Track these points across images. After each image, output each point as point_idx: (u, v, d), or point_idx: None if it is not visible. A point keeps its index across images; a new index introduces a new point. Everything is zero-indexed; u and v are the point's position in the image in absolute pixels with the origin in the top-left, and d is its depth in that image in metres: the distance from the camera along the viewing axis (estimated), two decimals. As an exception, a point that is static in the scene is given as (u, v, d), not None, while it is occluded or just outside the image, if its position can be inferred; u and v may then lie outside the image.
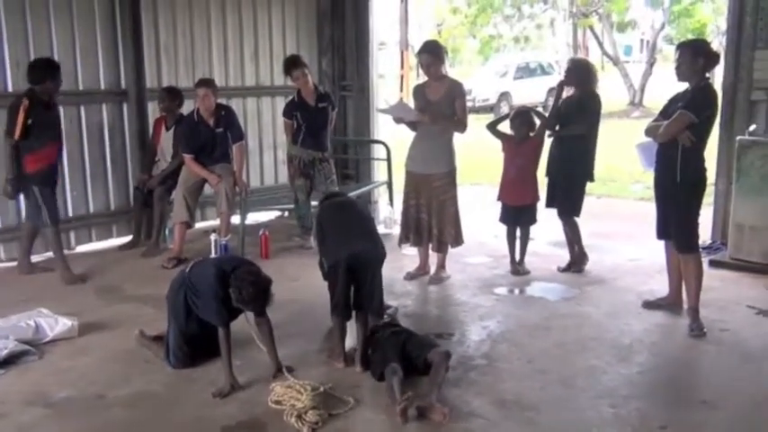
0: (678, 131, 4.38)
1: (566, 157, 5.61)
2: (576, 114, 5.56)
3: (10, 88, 6.06)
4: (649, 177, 5.10)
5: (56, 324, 4.50)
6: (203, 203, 7.00)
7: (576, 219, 5.78)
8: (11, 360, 4.12)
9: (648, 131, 4.68)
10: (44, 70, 5.50)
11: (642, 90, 20.86)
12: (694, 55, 4.42)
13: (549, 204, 5.84)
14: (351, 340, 4.17)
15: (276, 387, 3.69)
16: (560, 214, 5.80)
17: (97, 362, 4.21)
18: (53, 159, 5.64)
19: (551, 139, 5.75)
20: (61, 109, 6.02)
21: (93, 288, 5.60)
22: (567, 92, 5.81)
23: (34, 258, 6.32)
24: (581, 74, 5.68)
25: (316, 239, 4.41)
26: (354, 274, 4.02)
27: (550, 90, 21.81)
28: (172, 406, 3.67)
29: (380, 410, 3.54)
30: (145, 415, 3.58)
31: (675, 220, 4.57)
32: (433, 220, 5.54)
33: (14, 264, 6.23)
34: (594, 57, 23.87)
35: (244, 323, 3.97)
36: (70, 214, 6.61)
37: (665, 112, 4.58)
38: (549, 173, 5.82)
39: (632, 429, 3.40)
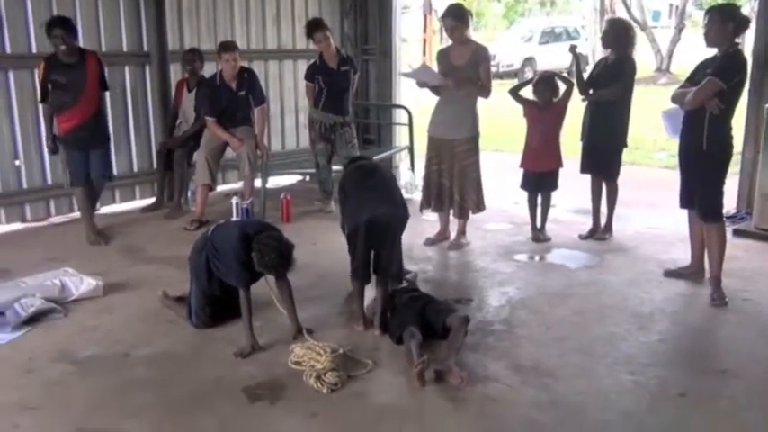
0: (706, 98, 4.30)
1: (601, 122, 5.51)
2: (609, 78, 5.45)
3: (34, 50, 6.09)
4: (674, 145, 5.03)
5: (81, 283, 4.58)
6: (225, 167, 7.04)
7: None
8: (38, 317, 4.21)
9: (675, 98, 4.59)
10: (45, 29, 5.45)
11: (670, 56, 20.46)
12: (724, 20, 4.31)
13: (583, 170, 5.78)
14: (369, 302, 4.21)
15: (296, 348, 3.74)
16: (604, 178, 5.74)
17: (121, 321, 4.29)
18: (78, 121, 5.51)
19: (585, 103, 5.66)
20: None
21: (117, 249, 5.68)
22: (603, 53, 5.69)
23: (60, 219, 6.43)
24: (618, 36, 5.52)
25: (338, 202, 4.41)
26: (374, 237, 4.03)
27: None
28: (194, 365, 3.73)
29: (399, 373, 3.58)
30: (168, 373, 3.64)
31: (700, 189, 4.52)
32: (454, 185, 5.52)
33: (41, 224, 6.34)
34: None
35: (264, 285, 4.01)
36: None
37: (693, 79, 4.49)
38: (583, 138, 5.73)
39: (651, 396, 3.41)
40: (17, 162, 6.20)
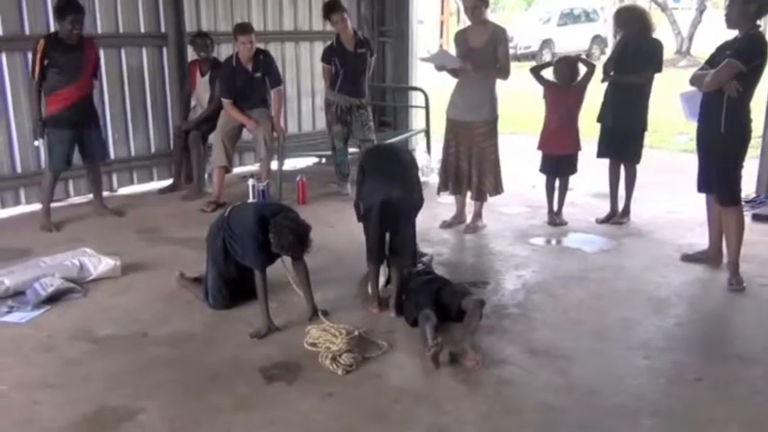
0: (725, 81, 4.24)
1: (625, 104, 5.44)
2: (639, 62, 5.33)
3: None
4: (693, 129, 4.98)
5: (99, 263, 4.63)
6: (241, 149, 7.06)
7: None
8: (57, 297, 4.26)
9: (693, 80, 4.53)
10: (56, 11, 5.51)
11: (690, 38, 20.18)
12: (745, 1, 4.24)
13: (601, 155, 5.72)
14: (383, 280, 4.25)
15: (312, 330, 3.76)
16: (626, 161, 5.69)
17: (139, 301, 4.33)
18: (70, 102, 5.54)
19: (605, 86, 5.58)
20: (102, 53, 6.04)
21: (135, 229, 5.72)
22: (619, 33, 5.63)
23: (78, 200, 6.48)
24: (631, 24, 5.45)
25: (355, 182, 4.45)
26: (387, 219, 4.04)
27: (595, 37, 21.36)
28: (211, 346, 3.76)
29: (414, 355, 3.59)
30: (185, 353, 3.68)
31: (718, 173, 4.47)
32: (473, 168, 5.51)
33: (60, 204, 6.40)
34: (641, 3, 23.06)
35: (282, 266, 4.03)
36: (112, 157, 6.74)
37: (712, 61, 4.43)
38: (603, 120, 5.64)
39: (666, 380, 3.40)
40: (36, 143, 6.24)
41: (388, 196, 4.01)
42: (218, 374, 3.45)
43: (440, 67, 5.51)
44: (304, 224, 3.84)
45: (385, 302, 4.15)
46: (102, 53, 6.28)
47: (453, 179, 5.62)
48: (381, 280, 4.27)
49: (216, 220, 4.26)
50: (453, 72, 5.48)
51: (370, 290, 4.24)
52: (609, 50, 5.71)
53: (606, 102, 5.61)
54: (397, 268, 4.14)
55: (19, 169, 6.19)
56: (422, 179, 4.83)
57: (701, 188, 4.71)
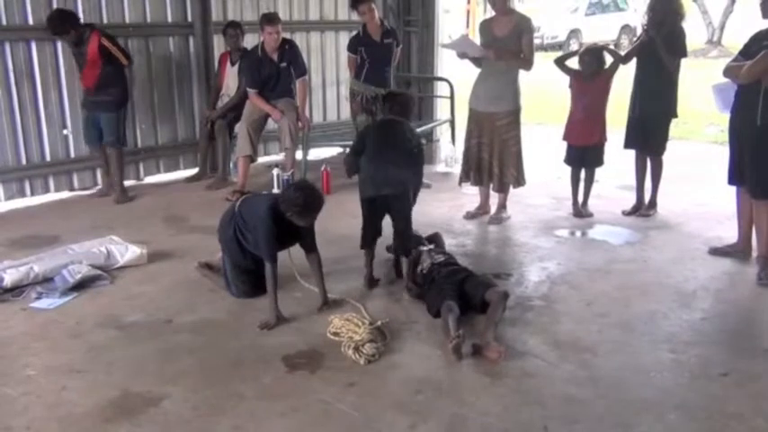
0: (763, 72, 4.14)
1: (651, 93, 5.37)
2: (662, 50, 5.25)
3: (82, 20, 6.15)
4: (724, 120, 4.89)
5: (126, 251, 4.68)
6: (266, 138, 7.08)
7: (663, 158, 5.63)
8: (85, 284, 4.32)
9: (728, 71, 4.44)
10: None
11: (722, 28, 19.80)
12: (784, -10, 4.15)
13: (628, 145, 5.65)
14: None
15: (335, 319, 3.77)
16: (649, 153, 5.62)
17: (165, 288, 4.37)
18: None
19: (634, 75, 5.50)
20: (129, 42, 6.28)
21: (161, 218, 5.78)
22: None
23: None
24: (665, 6, 5.35)
25: (352, 147, 4.65)
26: (378, 212, 4.29)
27: (624, 27, 21.05)
28: (235, 334, 3.79)
29: (436, 346, 3.58)
30: (209, 341, 3.71)
31: (751, 165, 4.39)
32: (494, 159, 5.47)
33: (88, 192, 6.49)
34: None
35: (302, 256, 4.06)
36: (139, 145, 6.81)
37: (747, 52, 4.34)
38: (631, 110, 5.57)
39: (691, 375, 3.36)
40: (65, 131, 6.33)
41: (377, 193, 4.19)
42: (242, 362, 3.48)
43: (462, 55, 5.46)
44: (311, 184, 3.95)
45: (376, 282, 4.33)
46: (129, 42, 6.37)
47: (475, 170, 5.59)
48: None
49: (227, 210, 4.29)
50: (476, 61, 5.44)
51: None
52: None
53: (634, 91, 5.54)
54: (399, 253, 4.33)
55: (48, 157, 6.28)
56: (446, 170, 4.82)
57: (732, 180, 4.63)
